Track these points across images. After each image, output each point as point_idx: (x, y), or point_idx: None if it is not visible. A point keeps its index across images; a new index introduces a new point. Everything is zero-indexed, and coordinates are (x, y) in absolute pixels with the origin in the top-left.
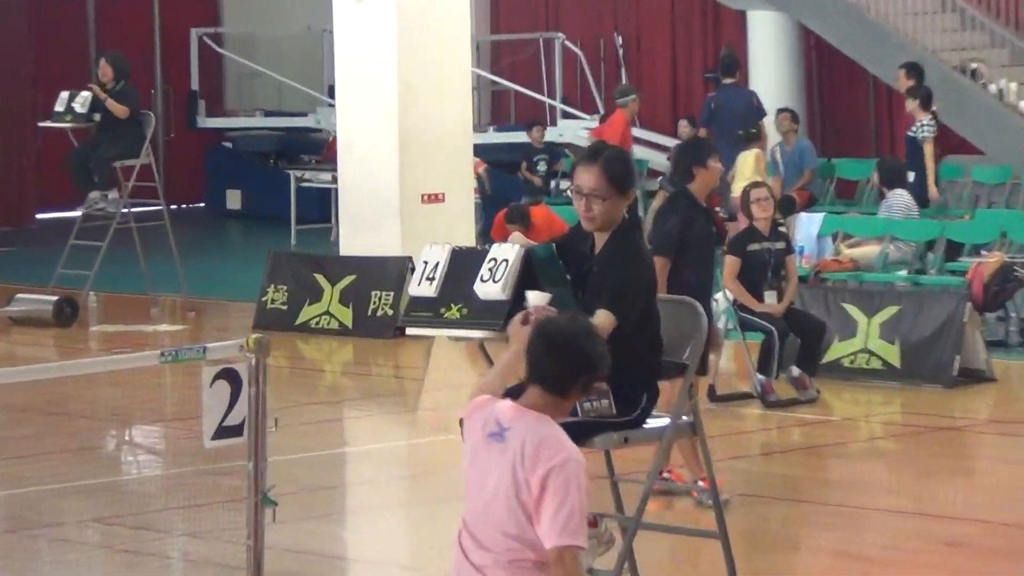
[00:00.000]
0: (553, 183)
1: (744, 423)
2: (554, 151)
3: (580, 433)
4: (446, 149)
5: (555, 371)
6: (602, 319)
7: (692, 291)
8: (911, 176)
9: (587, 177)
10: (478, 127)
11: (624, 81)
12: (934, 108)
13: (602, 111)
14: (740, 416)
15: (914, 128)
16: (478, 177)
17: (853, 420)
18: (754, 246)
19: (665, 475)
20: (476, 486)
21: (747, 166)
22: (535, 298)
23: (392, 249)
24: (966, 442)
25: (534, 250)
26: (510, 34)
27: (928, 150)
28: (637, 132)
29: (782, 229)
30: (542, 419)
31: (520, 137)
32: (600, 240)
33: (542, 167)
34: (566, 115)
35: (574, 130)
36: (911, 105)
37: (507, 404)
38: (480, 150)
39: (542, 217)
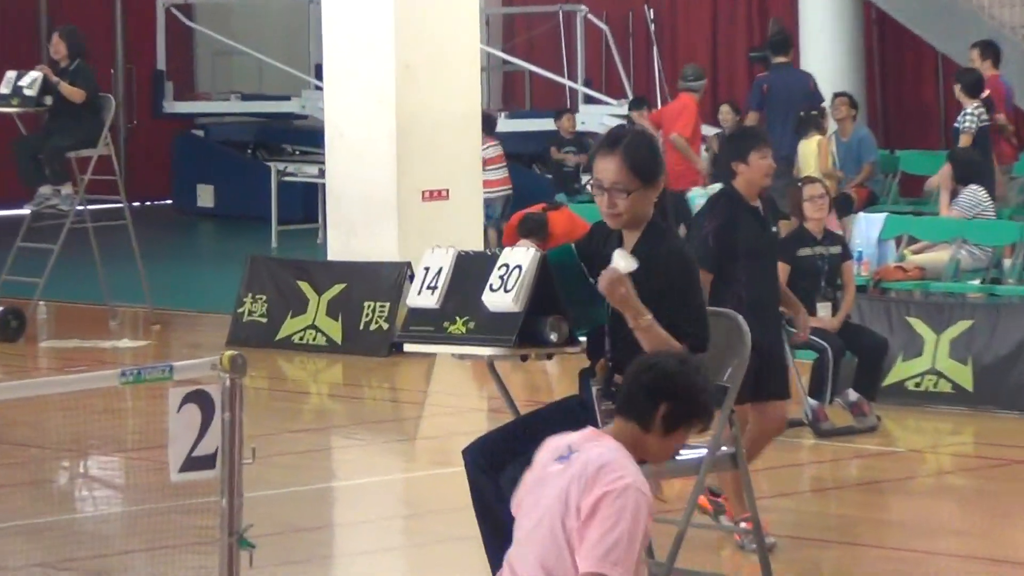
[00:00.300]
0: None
1: (793, 455)
2: (583, 142)
3: None
4: (451, 139)
5: (657, 410)
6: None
7: (740, 310)
8: None
9: (607, 168)
10: (489, 112)
11: (657, 61)
12: (985, 94)
13: (630, 94)
14: (788, 447)
15: (958, 118)
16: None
17: (919, 452)
18: (805, 251)
19: (719, 500)
20: (525, 514)
21: (811, 155)
22: (619, 259)
23: (388, 253)
24: None
25: (548, 255)
26: (525, 7)
27: (965, 143)
28: None
29: (838, 232)
30: (618, 447)
31: (535, 125)
32: (630, 240)
33: (572, 162)
34: (589, 100)
35: (597, 117)
36: (956, 90)
37: (586, 431)
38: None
39: (562, 224)
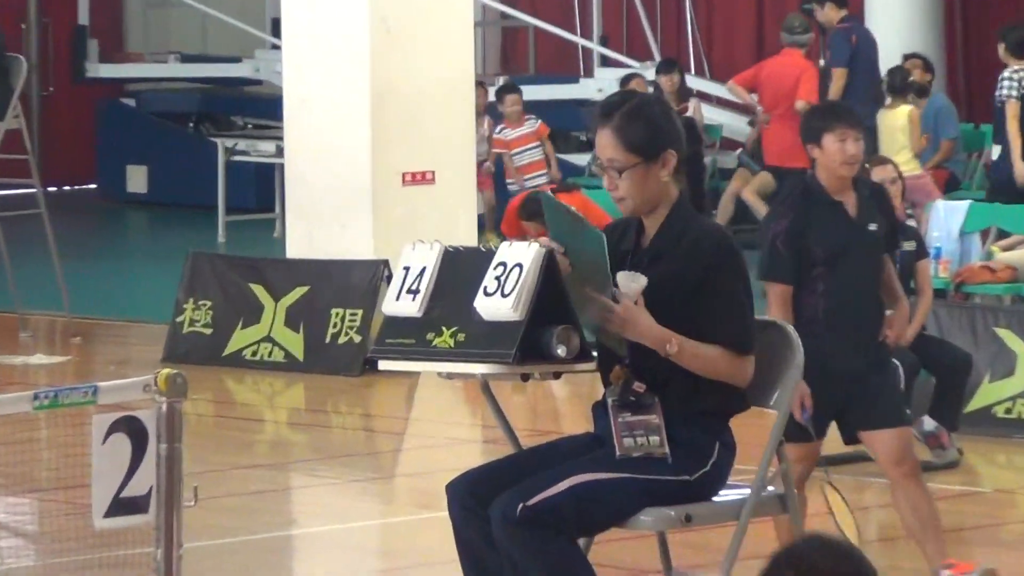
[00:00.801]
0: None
1: (857, 496)
2: None
3: (623, 503)
4: (438, 110)
5: None
6: (732, 366)
7: (816, 327)
8: (996, 151)
9: (601, 144)
10: (484, 79)
11: (690, 14)
12: None
13: (657, 56)
14: (851, 486)
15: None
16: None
17: (1009, 493)
18: None
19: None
20: None
21: (898, 130)
22: (626, 282)
23: (360, 250)
24: None
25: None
26: None
27: (1012, 112)
28: (705, 86)
29: (911, 223)
30: None
31: (541, 93)
32: (651, 227)
33: None
34: (606, 62)
35: (616, 84)
36: (1000, 50)
37: None
38: (489, 112)
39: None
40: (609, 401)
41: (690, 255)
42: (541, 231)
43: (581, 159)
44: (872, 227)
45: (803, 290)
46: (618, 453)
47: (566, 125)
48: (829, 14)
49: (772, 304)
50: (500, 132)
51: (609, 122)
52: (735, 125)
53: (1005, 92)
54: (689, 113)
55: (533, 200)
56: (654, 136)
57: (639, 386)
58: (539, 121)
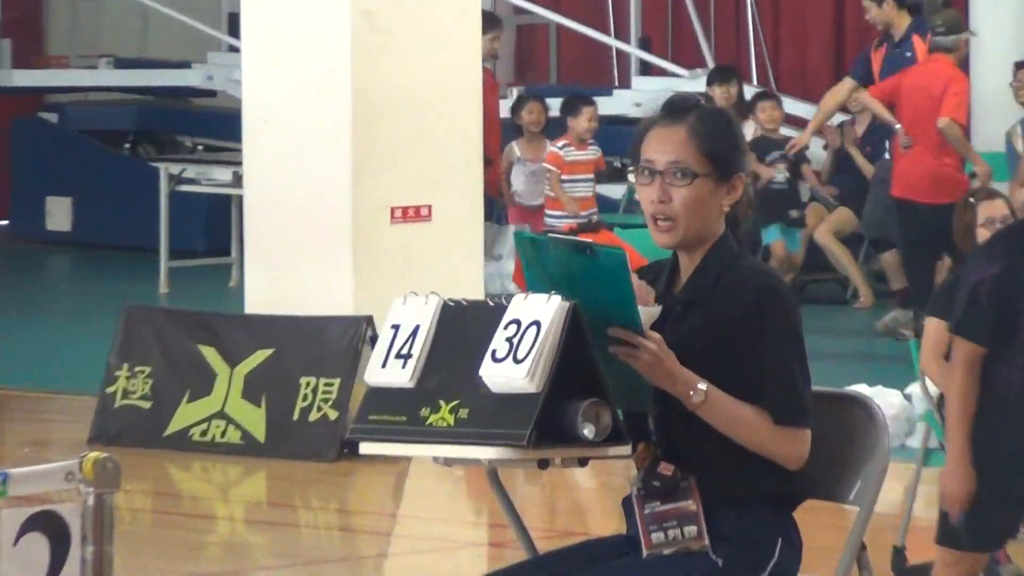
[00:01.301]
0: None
1: None
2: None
3: None
4: (435, 129)
5: None
6: (777, 437)
7: (1011, 406)
8: None
9: (666, 141)
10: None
11: (753, 11)
12: None
13: (711, 62)
14: None
15: None
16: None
17: None
18: None
19: None
20: None
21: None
22: (646, 317)
23: (337, 303)
24: None
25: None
26: None
27: None
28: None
29: None
30: None
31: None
32: (687, 266)
33: (781, 176)
34: (646, 69)
35: (660, 94)
36: None
37: None
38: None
39: None
40: (633, 490)
41: (727, 299)
42: None
43: (615, 191)
44: None
45: (1000, 357)
46: (645, 552)
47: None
48: (889, 15)
49: (955, 366)
50: (563, 148)
51: (681, 120)
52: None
53: None
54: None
55: None
56: (734, 149)
57: (666, 467)
58: (600, 151)
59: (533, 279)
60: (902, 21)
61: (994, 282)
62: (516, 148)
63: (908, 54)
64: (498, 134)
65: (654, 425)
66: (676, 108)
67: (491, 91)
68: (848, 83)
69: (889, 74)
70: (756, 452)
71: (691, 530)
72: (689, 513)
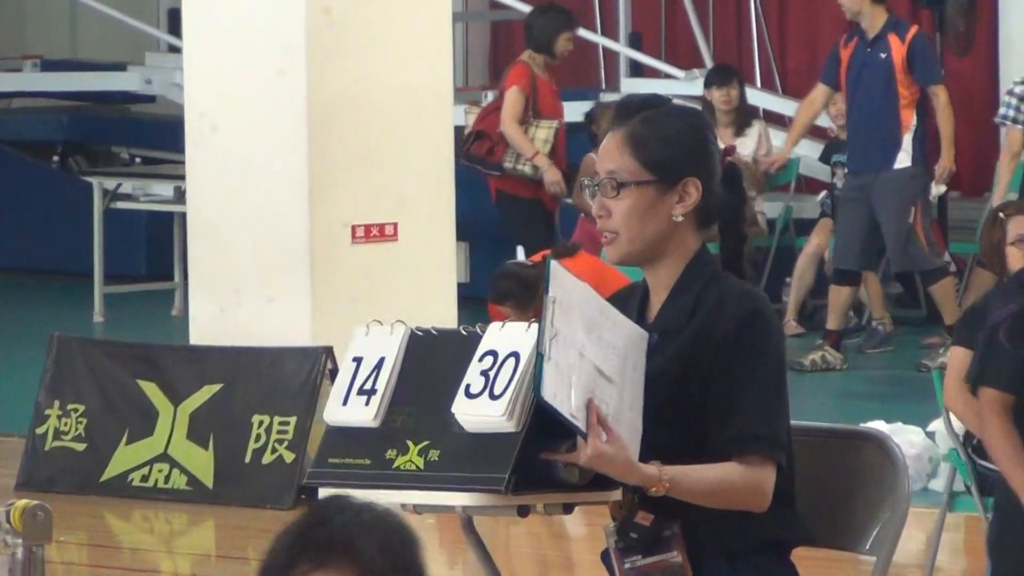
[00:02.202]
0: None
1: None
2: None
3: None
4: (402, 137)
5: None
6: (748, 483)
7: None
8: None
9: (605, 151)
10: (464, 95)
11: (757, 6)
12: None
13: (709, 62)
14: None
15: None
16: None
17: None
18: None
19: None
20: None
21: None
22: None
23: (293, 332)
24: None
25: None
26: None
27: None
28: (777, 104)
29: None
30: None
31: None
32: (659, 291)
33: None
34: (637, 70)
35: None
36: None
37: None
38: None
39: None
40: (611, 543)
41: (707, 324)
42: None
43: None
44: None
45: None
46: None
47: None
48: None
49: (987, 418)
50: None
51: (624, 124)
52: (817, 160)
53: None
54: (747, 145)
55: (503, 275)
56: (680, 152)
57: (644, 516)
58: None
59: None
60: (877, 17)
61: (1015, 320)
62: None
63: (883, 55)
64: (563, 143)
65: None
66: (622, 111)
67: (553, 96)
68: (821, 89)
69: (856, 76)
70: (727, 508)
71: None
72: (674, 567)
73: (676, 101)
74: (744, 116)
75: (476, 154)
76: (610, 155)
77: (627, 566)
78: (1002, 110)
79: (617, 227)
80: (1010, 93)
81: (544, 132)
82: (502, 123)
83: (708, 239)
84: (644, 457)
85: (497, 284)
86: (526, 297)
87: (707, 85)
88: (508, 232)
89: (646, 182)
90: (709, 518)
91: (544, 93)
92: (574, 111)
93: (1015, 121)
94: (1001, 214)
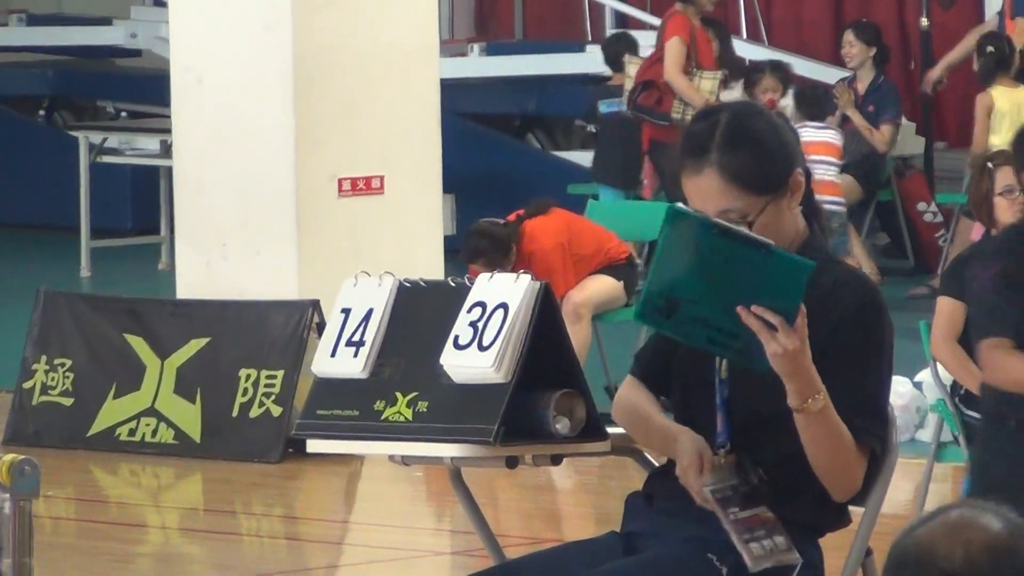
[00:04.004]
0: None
1: None
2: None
3: None
4: (387, 92)
5: None
6: (856, 460)
7: None
8: None
9: (702, 190)
10: (450, 47)
11: None
12: None
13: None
14: None
15: None
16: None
17: None
18: None
19: None
20: None
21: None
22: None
23: (280, 286)
24: None
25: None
26: None
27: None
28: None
29: None
30: None
31: (531, 66)
32: None
33: None
34: (623, 22)
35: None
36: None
37: None
38: (460, 95)
39: (550, 235)
40: (707, 491)
41: (823, 307)
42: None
43: (586, 158)
44: None
45: None
46: (751, 566)
47: (565, 110)
48: None
49: (997, 355)
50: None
51: (704, 161)
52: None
53: None
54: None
55: (474, 233)
56: (776, 158)
57: (755, 471)
58: (836, 134)
59: (670, 258)
60: None
61: (994, 279)
62: None
63: None
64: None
65: (725, 430)
66: (694, 143)
67: (707, 44)
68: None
69: None
70: (823, 475)
71: (780, 541)
72: (769, 521)
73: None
74: (730, 69)
75: (644, 104)
76: (715, 196)
77: (731, 518)
78: None
79: None
80: None
81: (709, 83)
82: (667, 74)
83: None
84: (750, 425)
85: (469, 242)
86: (498, 255)
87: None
88: (662, 182)
89: (765, 204)
90: (777, 493)
91: (701, 42)
92: (561, 64)
93: None
94: (989, 164)
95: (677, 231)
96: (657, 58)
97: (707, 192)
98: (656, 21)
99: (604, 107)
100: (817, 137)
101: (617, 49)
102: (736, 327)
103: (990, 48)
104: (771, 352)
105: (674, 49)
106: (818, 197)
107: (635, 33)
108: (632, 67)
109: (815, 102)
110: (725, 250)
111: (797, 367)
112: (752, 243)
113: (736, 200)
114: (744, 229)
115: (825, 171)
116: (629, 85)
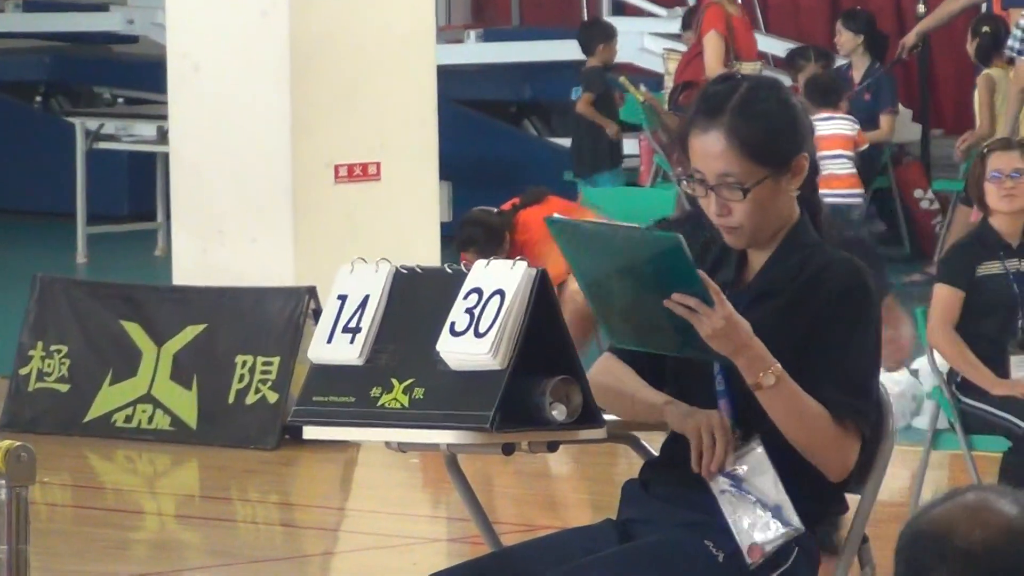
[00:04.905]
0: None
1: None
2: None
3: None
4: (383, 78)
5: None
6: (836, 437)
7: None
8: None
9: (707, 151)
10: (447, 34)
11: None
12: None
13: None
14: None
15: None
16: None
17: None
18: (990, 267)
19: None
20: None
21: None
22: None
23: (276, 272)
24: None
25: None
26: None
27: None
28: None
29: None
30: None
31: (527, 53)
32: (759, 256)
33: None
34: (619, 9)
35: (634, 39)
36: None
37: None
38: (457, 81)
39: (543, 225)
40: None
41: (809, 290)
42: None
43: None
44: None
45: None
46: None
47: (562, 97)
48: None
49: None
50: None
51: (717, 121)
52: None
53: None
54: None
55: (468, 221)
56: (787, 136)
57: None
58: (851, 124)
59: (579, 266)
60: None
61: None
62: None
63: None
64: None
65: (731, 406)
66: (710, 103)
67: (748, 30)
68: None
69: None
70: (805, 453)
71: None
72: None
73: (745, 71)
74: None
75: (685, 104)
76: (717, 157)
77: (751, 498)
78: (1010, 42)
79: (741, 222)
80: (1018, 26)
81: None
82: (708, 71)
83: None
84: (746, 410)
85: (462, 230)
86: (490, 244)
87: (684, 27)
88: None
89: (764, 178)
90: (789, 472)
91: (740, 31)
92: (558, 51)
93: (1021, 53)
94: (984, 149)
95: (565, 239)
96: (696, 53)
97: (711, 152)
98: (653, 8)
99: (574, 94)
100: (831, 131)
101: (591, 34)
102: (677, 321)
103: (985, 28)
104: (704, 336)
105: (712, 43)
106: (836, 191)
107: (632, 20)
108: (672, 63)
109: (827, 89)
110: (604, 237)
111: (737, 344)
112: (619, 227)
113: (736, 165)
114: (608, 219)
115: (841, 165)
116: (669, 83)
